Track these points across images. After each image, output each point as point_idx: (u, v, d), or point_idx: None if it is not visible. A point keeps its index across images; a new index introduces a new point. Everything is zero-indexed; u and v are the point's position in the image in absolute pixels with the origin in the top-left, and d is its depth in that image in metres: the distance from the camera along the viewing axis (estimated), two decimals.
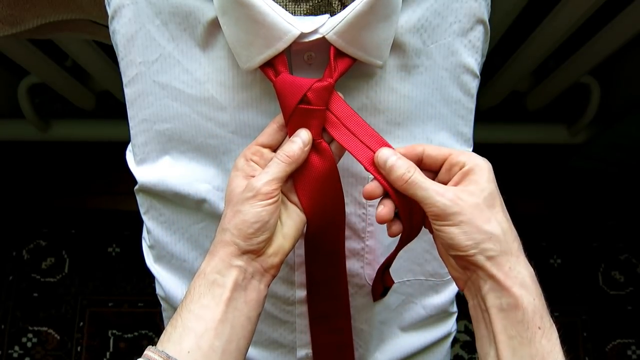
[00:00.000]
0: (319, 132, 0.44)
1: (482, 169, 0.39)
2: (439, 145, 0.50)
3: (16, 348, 1.17)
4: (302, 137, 0.43)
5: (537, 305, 0.36)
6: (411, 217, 0.44)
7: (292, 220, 0.44)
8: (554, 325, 0.37)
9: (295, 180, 0.45)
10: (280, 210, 0.43)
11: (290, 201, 0.45)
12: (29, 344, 1.17)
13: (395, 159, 0.41)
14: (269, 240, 0.42)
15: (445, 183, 0.41)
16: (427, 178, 0.40)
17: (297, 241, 0.45)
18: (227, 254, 0.41)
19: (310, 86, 0.41)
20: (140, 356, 0.37)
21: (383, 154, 0.42)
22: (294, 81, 0.42)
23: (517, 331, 0.36)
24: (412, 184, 0.39)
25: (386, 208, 0.42)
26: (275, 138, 0.45)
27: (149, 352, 0.37)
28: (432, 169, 0.43)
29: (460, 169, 0.40)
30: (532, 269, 0.38)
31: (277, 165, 0.42)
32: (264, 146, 0.44)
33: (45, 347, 1.17)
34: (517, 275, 0.37)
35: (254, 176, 0.42)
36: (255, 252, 0.41)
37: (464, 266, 0.40)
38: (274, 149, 0.45)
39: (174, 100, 0.49)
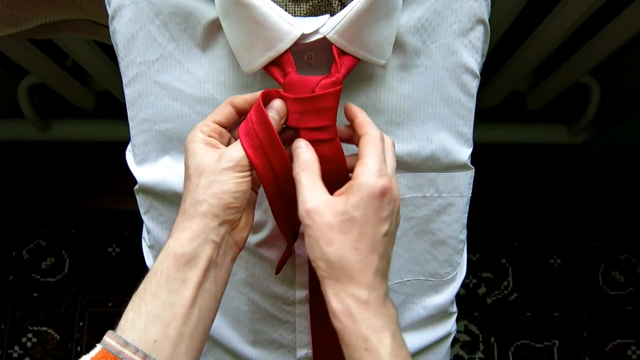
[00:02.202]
0: (331, 124, 0.43)
1: (360, 190, 0.38)
2: (442, 144, 0.50)
3: (16, 348, 1.17)
4: (276, 108, 0.41)
5: (360, 331, 0.38)
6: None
7: (254, 196, 0.44)
8: (383, 342, 0.38)
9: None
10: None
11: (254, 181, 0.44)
12: (29, 344, 1.17)
13: (302, 152, 0.41)
14: (242, 212, 0.41)
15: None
16: (315, 181, 0.40)
17: (254, 214, 0.45)
18: (203, 227, 0.39)
19: (318, 82, 0.41)
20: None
21: (297, 143, 0.42)
22: (302, 79, 0.42)
23: (347, 353, 0.39)
24: (297, 178, 0.40)
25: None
26: (233, 120, 0.43)
27: (107, 337, 0.36)
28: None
29: (354, 178, 0.39)
30: (365, 295, 0.38)
31: None
32: (221, 125, 0.43)
33: (45, 347, 1.17)
34: (340, 302, 0.38)
35: (219, 149, 0.41)
36: (231, 224, 0.40)
37: None
38: (229, 129, 0.43)
39: (174, 100, 0.49)
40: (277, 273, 0.52)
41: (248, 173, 0.40)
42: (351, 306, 0.38)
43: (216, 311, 0.41)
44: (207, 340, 0.58)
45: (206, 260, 0.39)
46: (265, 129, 0.40)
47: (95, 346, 0.36)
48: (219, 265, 0.40)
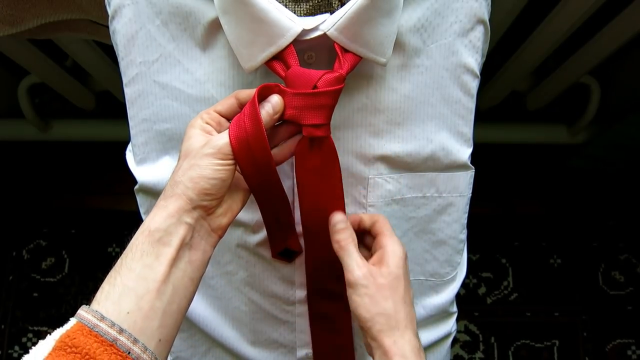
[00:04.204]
0: (328, 122, 0.43)
1: (395, 255, 0.46)
2: (442, 144, 0.50)
3: (16, 348, 1.17)
4: (273, 103, 0.42)
5: None
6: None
7: (239, 185, 0.44)
8: None
9: (295, 171, 0.45)
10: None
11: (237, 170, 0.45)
12: (29, 344, 1.17)
13: (344, 226, 0.47)
14: (220, 200, 0.42)
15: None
16: (358, 252, 0.46)
17: (244, 206, 0.45)
18: (177, 208, 0.39)
19: (321, 77, 0.41)
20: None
21: (336, 217, 0.48)
22: (304, 73, 0.42)
23: None
24: (344, 249, 0.46)
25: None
26: (233, 112, 0.44)
27: (82, 311, 0.36)
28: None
29: (380, 248, 0.47)
30: (417, 342, 0.44)
31: None
32: (221, 115, 0.44)
33: None
34: (399, 348, 0.43)
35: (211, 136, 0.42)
36: (206, 209, 0.41)
37: (366, 336, 0.46)
38: (230, 120, 0.44)
39: (174, 100, 0.49)
40: (273, 257, 0.53)
41: (230, 162, 0.40)
42: (406, 352, 0.43)
43: (193, 293, 0.41)
44: (207, 340, 0.59)
45: (179, 239, 0.39)
46: (253, 122, 0.40)
47: (69, 320, 0.36)
48: (194, 247, 0.41)
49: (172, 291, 0.39)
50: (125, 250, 0.39)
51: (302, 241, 0.51)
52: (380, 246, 0.47)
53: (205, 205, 0.40)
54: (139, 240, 0.39)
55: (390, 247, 0.46)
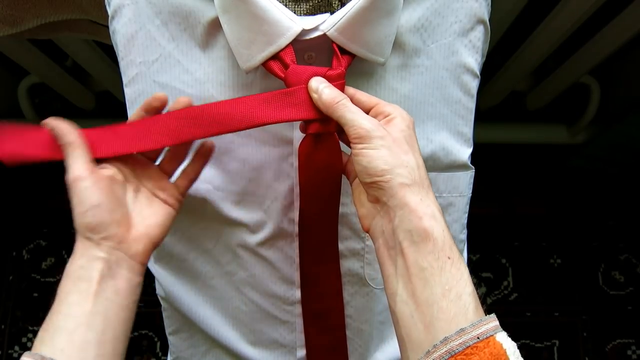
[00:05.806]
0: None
1: (404, 119, 0.40)
2: (442, 144, 0.50)
3: (16, 348, 1.17)
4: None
5: (446, 237, 0.36)
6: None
7: (154, 211, 0.45)
8: (461, 256, 0.37)
9: (299, 171, 0.45)
10: (137, 199, 0.44)
11: (156, 196, 0.45)
12: (29, 344, 1.17)
13: (328, 86, 0.41)
14: (124, 226, 0.42)
15: None
16: (357, 107, 0.40)
17: (166, 232, 0.45)
18: (85, 247, 0.40)
19: (324, 73, 0.42)
20: None
21: (316, 80, 0.41)
22: (307, 69, 0.42)
23: (428, 262, 0.36)
24: (341, 106, 0.40)
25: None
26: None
27: (25, 357, 0.37)
28: None
29: (385, 117, 0.41)
30: (439, 206, 0.39)
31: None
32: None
33: None
34: (427, 207, 0.37)
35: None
36: (111, 239, 0.41)
37: (376, 198, 0.39)
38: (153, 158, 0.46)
39: None
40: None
41: (88, 182, 0.40)
42: (435, 212, 0.37)
43: (129, 318, 0.42)
44: (207, 340, 0.59)
45: (98, 273, 0.40)
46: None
47: None
48: (116, 277, 0.41)
49: (103, 321, 0.39)
50: (54, 299, 0.40)
51: (297, 240, 0.51)
52: (383, 114, 0.41)
53: (106, 236, 0.41)
54: (62, 284, 0.40)
55: (397, 112, 0.41)
